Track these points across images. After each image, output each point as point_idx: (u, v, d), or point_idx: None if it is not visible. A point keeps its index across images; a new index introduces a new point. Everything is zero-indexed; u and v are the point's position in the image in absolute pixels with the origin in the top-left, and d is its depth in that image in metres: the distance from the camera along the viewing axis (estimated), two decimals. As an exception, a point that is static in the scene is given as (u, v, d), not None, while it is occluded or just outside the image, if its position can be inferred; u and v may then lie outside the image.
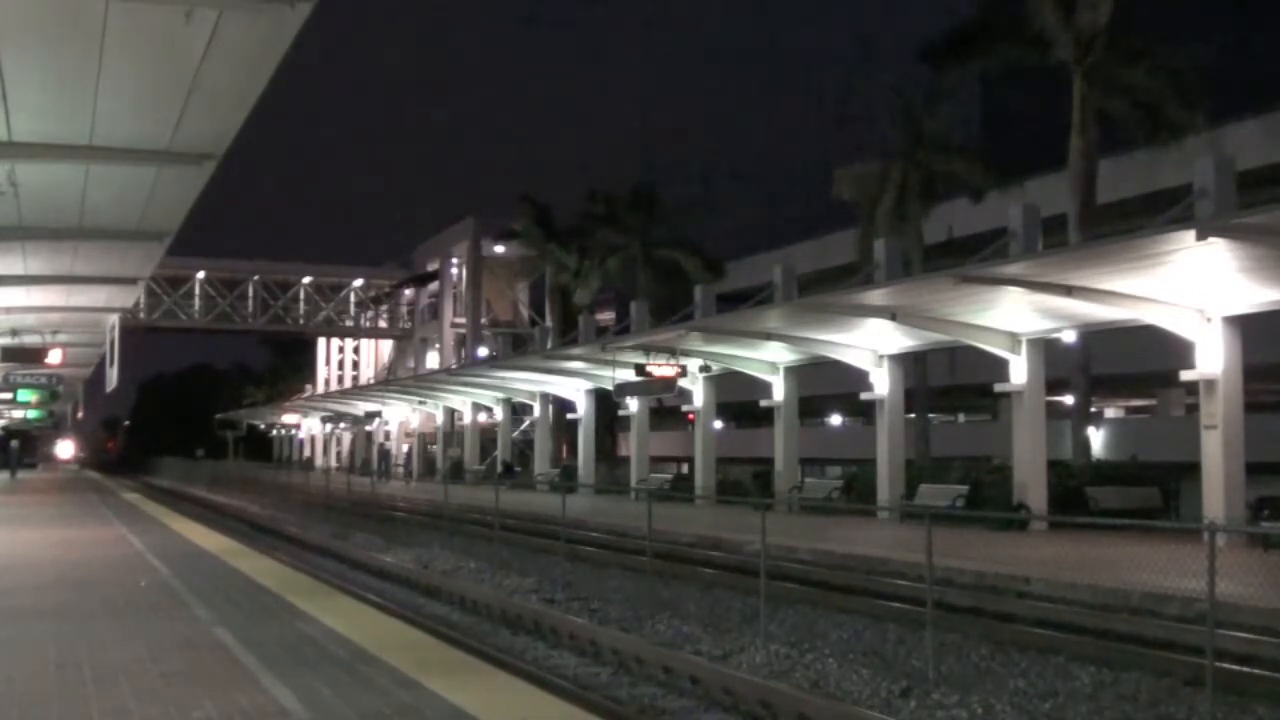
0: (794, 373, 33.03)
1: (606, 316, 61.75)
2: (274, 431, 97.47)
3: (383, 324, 78.80)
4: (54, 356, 27.42)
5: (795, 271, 33.49)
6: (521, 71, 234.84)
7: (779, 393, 33.14)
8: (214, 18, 8.81)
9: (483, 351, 67.36)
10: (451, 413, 59.85)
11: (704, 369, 35.18)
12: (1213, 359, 20.25)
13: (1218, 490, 20.06)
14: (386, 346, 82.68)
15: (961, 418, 52.11)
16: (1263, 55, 48.71)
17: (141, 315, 61.91)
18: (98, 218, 15.66)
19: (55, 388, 37.99)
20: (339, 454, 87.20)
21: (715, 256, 50.38)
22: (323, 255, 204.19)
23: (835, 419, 56.03)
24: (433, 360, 72.69)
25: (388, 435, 73.96)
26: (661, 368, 32.25)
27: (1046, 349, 25.24)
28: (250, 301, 72.19)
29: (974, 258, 23.54)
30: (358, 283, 75.97)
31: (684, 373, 33.12)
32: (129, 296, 24.33)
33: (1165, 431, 35.98)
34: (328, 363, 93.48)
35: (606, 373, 36.58)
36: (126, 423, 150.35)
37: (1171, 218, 19.43)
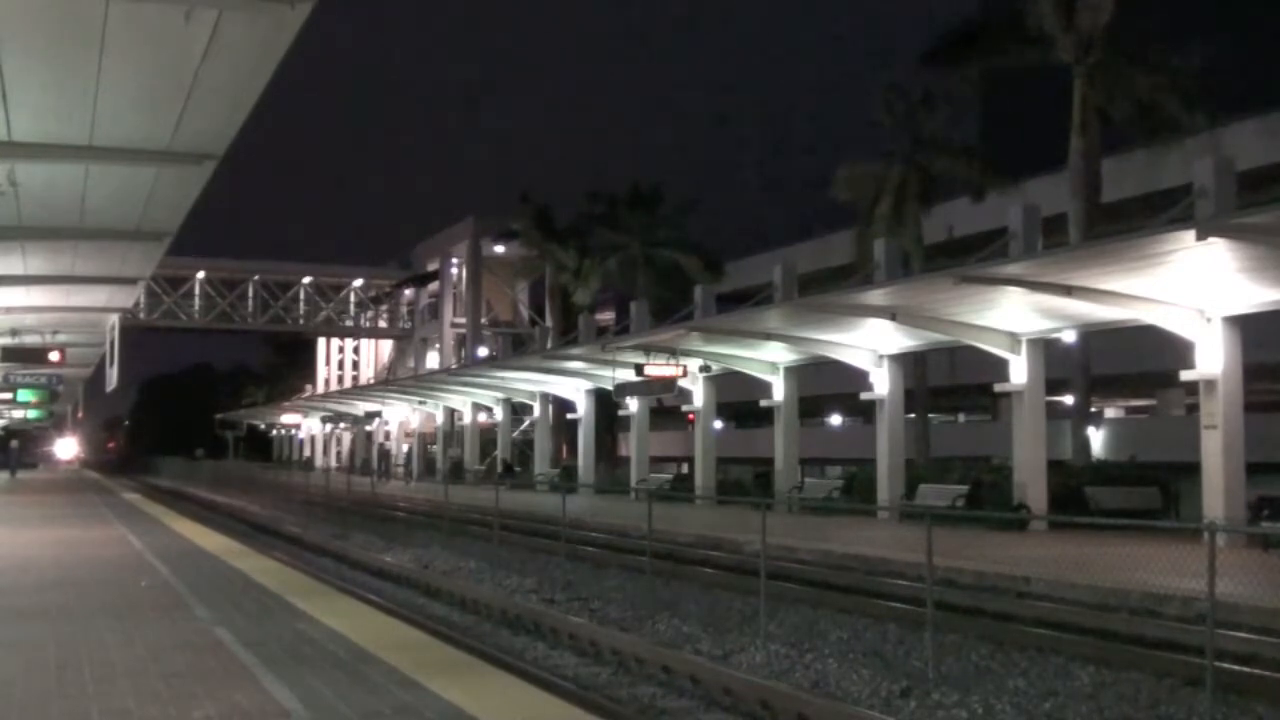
0: (794, 373, 33.01)
1: (606, 316, 61.70)
2: (274, 431, 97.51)
3: (383, 324, 78.80)
4: (54, 356, 27.43)
5: (795, 271, 33.48)
6: (523, 69, 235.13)
7: (779, 393, 33.12)
8: (214, 18, 8.81)
9: (483, 351, 67.31)
10: (451, 413, 59.83)
11: (704, 369, 35.16)
12: (1213, 359, 20.24)
13: (1218, 490, 20.05)
14: (386, 346, 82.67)
15: (961, 418, 52.10)
16: (1263, 55, 48.68)
17: (141, 315, 61.87)
18: (98, 218, 15.65)
19: (55, 388, 38.03)
20: (339, 454, 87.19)
21: (715, 256, 50.37)
22: (323, 255, 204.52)
23: (835, 419, 56.00)
24: (433, 360, 72.67)
25: (388, 435, 73.96)
26: (661, 368, 32.25)
27: (1046, 349, 25.22)
28: (250, 301, 72.17)
29: (974, 258, 23.54)
30: (358, 283, 75.98)
31: (684, 373, 33.13)
32: (129, 296, 24.31)
33: (1165, 431, 35.95)
34: (328, 363, 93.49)
35: (606, 373, 36.56)
36: (126, 423, 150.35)
37: (1171, 218, 19.42)
